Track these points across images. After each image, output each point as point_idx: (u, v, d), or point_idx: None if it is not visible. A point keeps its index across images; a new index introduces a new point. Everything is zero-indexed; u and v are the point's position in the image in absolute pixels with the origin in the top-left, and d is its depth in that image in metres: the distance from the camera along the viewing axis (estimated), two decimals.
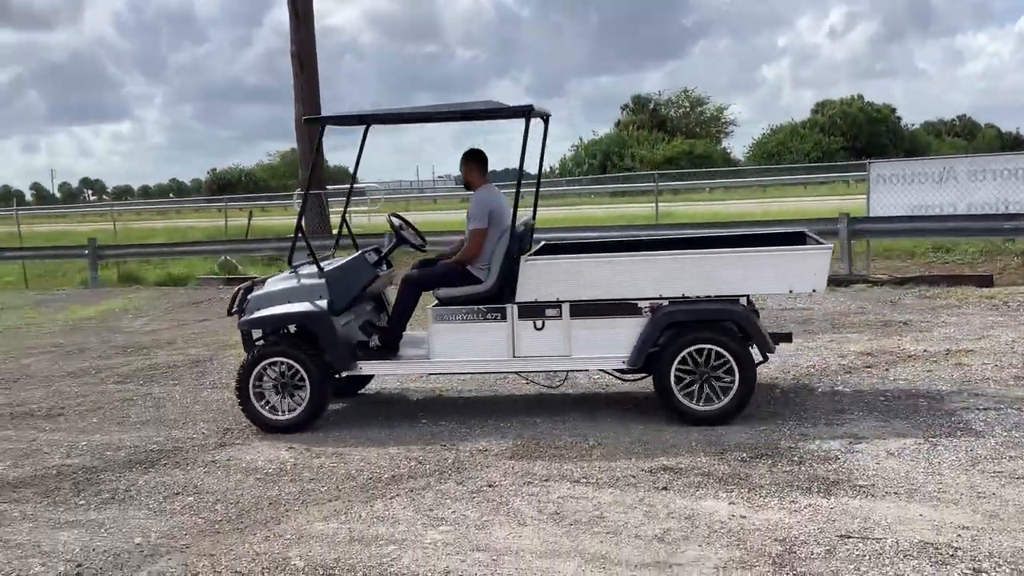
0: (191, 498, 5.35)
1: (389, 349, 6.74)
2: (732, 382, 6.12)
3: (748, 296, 6.51)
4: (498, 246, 6.56)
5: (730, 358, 6.11)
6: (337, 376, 6.74)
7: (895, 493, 4.79)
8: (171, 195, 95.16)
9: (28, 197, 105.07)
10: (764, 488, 4.96)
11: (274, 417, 6.57)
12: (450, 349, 6.46)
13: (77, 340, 11.27)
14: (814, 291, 6.23)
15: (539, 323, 6.35)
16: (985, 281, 11.87)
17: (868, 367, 7.56)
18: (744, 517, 4.59)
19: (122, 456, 6.24)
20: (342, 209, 7.84)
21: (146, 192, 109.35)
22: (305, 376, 6.48)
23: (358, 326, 6.90)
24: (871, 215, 14.14)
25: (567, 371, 7.10)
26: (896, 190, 14.38)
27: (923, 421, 6.01)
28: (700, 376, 6.18)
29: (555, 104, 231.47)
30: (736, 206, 26.41)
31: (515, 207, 6.58)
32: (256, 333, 6.82)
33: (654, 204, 20.72)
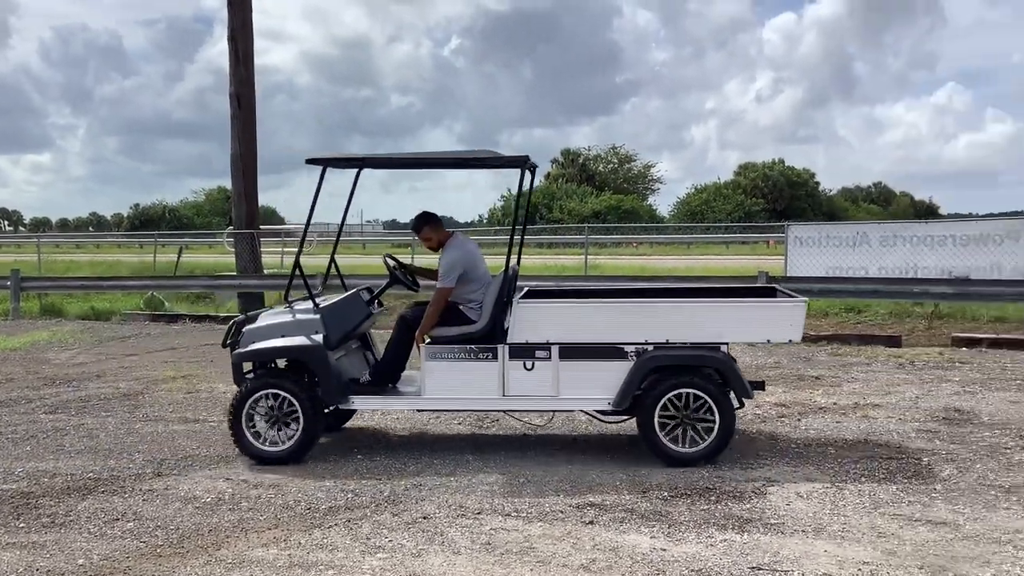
0: (131, 524, 5.47)
1: (380, 385, 6.96)
2: (712, 425, 6.44)
3: (727, 344, 6.79)
4: (489, 289, 6.85)
5: (711, 402, 6.43)
6: (326, 410, 6.92)
7: (803, 531, 5.16)
8: (90, 229, 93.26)
9: None
10: (683, 524, 5.29)
11: (266, 448, 6.72)
12: (442, 387, 6.65)
13: (4, 371, 11.16)
14: (790, 341, 6.57)
15: (529, 364, 6.58)
16: (894, 341, 12.51)
17: (782, 417, 8.00)
18: (664, 550, 4.90)
19: (59, 483, 6.31)
20: (328, 249, 7.90)
21: (64, 225, 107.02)
22: (299, 408, 6.65)
23: (347, 362, 7.11)
24: (788, 275, 14.77)
25: (554, 411, 7.36)
26: (812, 252, 15.11)
27: (830, 467, 6.42)
28: (682, 419, 6.48)
29: None
30: (660, 261, 27.09)
31: (508, 251, 6.83)
32: (247, 367, 6.97)
33: (581, 256, 21.22)
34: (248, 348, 6.82)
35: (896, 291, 13.63)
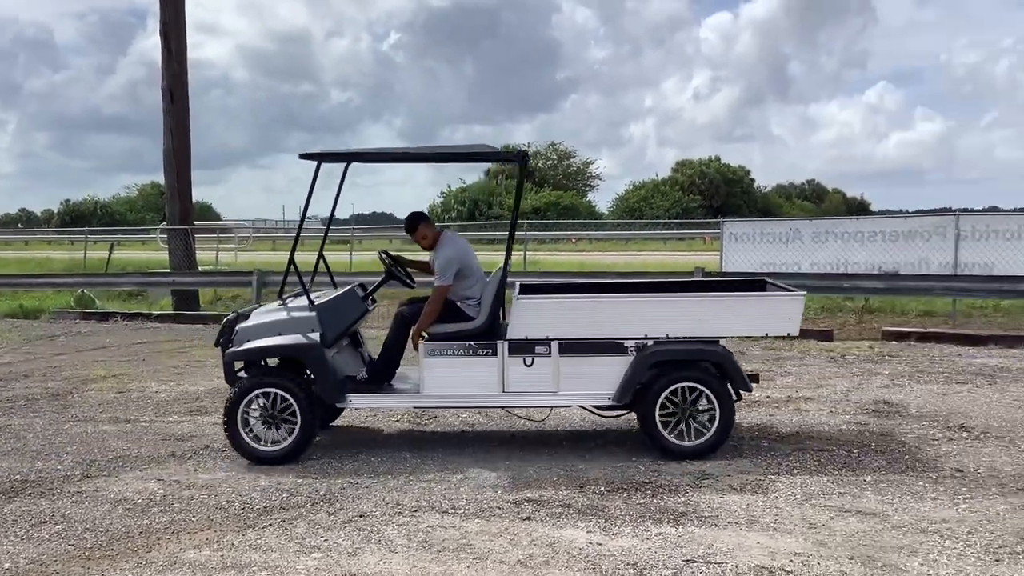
0: (59, 527, 5.34)
1: (376, 383, 6.88)
2: (713, 419, 6.49)
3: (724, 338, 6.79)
4: (488, 285, 6.80)
5: (712, 396, 6.48)
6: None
7: (736, 523, 5.23)
8: (19, 225, 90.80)
9: None
10: (619, 518, 5.33)
11: (263, 448, 6.59)
12: (441, 384, 6.59)
13: None
14: (788, 335, 6.67)
15: (529, 360, 6.55)
16: (825, 335, 12.74)
17: None
18: (600, 544, 4.93)
19: None
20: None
21: None
22: (296, 407, 6.54)
23: (341, 360, 6.97)
24: (724, 271, 14.96)
25: (553, 407, 7.33)
26: (747, 248, 15.32)
27: (764, 460, 6.51)
28: (682, 413, 6.51)
29: None
30: (599, 257, 27.27)
31: (508, 247, 6.78)
32: (238, 365, 6.81)
33: (520, 252, 21.24)
34: (243, 346, 6.66)
35: (828, 286, 13.88)
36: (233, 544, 5.02)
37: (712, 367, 6.61)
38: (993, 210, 36.16)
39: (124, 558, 4.85)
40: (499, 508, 5.54)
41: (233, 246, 33.06)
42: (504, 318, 6.82)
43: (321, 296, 7.01)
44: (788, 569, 4.57)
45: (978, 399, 8.48)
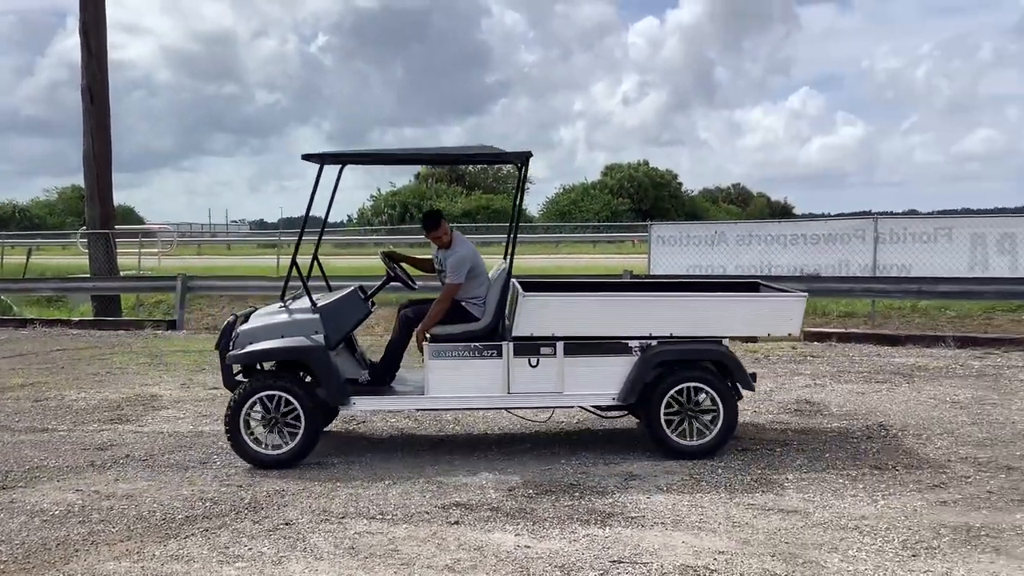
0: None
1: (380, 385, 6.80)
2: (716, 418, 6.53)
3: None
4: (493, 286, 6.78)
5: (715, 395, 6.53)
6: None
7: (662, 523, 5.29)
8: None
9: None
10: (547, 520, 5.35)
11: (266, 452, 6.49)
12: (446, 385, 6.55)
13: None
14: (789, 335, 6.74)
15: (534, 360, 6.54)
16: (749, 336, 12.94)
17: None
18: (528, 547, 4.95)
19: None
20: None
21: None
22: (300, 410, 6.44)
23: (340, 362, 6.84)
24: (652, 273, 15.13)
25: (557, 407, 7.30)
26: (674, 251, 15.53)
27: (689, 460, 6.58)
28: (686, 412, 6.54)
29: None
30: (529, 261, 27.32)
31: (512, 247, 6.80)
32: (236, 369, 6.71)
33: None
34: (246, 349, 6.54)
35: None
36: (154, 555, 4.92)
37: (714, 366, 6.69)
38: (912, 213, 37.16)
39: (41, 571, 4.71)
40: (427, 513, 5.52)
41: (156, 251, 32.42)
42: (508, 318, 6.81)
43: (322, 298, 6.94)
44: (712, 568, 4.64)
45: (896, 398, 8.72)
